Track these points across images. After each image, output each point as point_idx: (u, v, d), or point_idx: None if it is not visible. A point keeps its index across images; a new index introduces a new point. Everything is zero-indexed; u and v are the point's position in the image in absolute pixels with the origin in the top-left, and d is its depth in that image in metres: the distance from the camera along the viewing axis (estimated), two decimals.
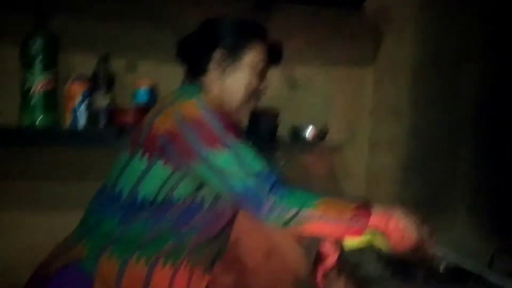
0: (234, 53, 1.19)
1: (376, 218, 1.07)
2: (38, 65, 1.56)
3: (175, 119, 1.04)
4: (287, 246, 1.91)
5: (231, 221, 1.23)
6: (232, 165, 1.01)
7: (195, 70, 1.22)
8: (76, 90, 1.61)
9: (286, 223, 1.03)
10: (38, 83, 1.56)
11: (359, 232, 1.08)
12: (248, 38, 1.20)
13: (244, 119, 1.29)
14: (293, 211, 1.02)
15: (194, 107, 1.05)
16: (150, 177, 1.08)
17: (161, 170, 1.07)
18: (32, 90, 1.56)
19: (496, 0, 1.70)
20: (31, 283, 1.14)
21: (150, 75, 1.76)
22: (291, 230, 1.14)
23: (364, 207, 1.07)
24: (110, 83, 1.64)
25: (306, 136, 1.81)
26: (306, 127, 1.82)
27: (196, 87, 1.18)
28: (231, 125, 1.06)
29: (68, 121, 1.62)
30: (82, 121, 1.61)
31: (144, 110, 1.61)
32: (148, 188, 1.08)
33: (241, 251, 1.91)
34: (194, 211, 1.10)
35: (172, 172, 1.07)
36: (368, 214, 1.06)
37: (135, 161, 1.10)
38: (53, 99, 1.60)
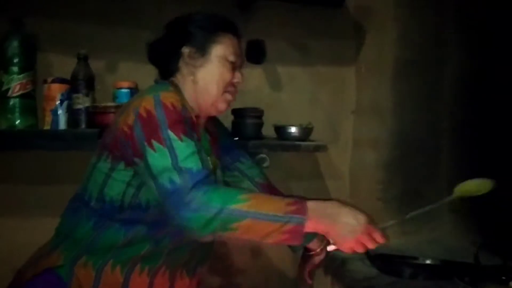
0: (201, 48, 1.18)
1: (314, 216, 0.99)
2: (15, 67, 1.52)
3: (133, 115, 1.03)
4: (273, 245, 1.90)
5: None
6: (164, 162, 0.97)
7: (166, 71, 1.22)
8: (55, 92, 1.57)
9: (209, 223, 0.94)
10: (16, 85, 1.52)
11: (295, 233, 0.98)
12: (215, 32, 1.20)
13: (222, 113, 1.26)
14: (215, 208, 0.94)
15: (149, 103, 1.03)
16: (114, 180, 1.06)
17: (122, 172, 1.06)
18: (9, 93, 1.52)
19: None
20: None
21: (130, 75, 1.74)
22: (217, 234, 0.97)
23: (298, 201, 1.00)
24: (90, 84, 1.61)
25: (291, 135, 1.80)
26: (290, 126, 1.82)
27: (164, 84, 1.17)
28: (180, 122, 1.03)
29: (47, 123, 1.58)
30: (62, 123, 1.57)
31: None
32: (113, 192, 1.06)
33: (228, 251, 1.90)
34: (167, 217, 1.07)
35: (133, 175, 1.05)
36: (304, 210, 0.98)
37: (100, 164, 1.08)
38: (31, 101, 1.57)
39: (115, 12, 1.76)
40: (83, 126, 1.59)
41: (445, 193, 1.85)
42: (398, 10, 1.86)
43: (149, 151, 0.98)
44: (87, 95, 1.60)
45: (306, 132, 1.83)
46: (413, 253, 1.55)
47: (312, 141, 1.85)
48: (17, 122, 1.53)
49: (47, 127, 1.58)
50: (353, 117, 2.06)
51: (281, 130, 1.82)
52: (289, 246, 1.40)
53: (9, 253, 1.64)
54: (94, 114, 1.58)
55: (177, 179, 0.96)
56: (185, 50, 1.18)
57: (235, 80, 1.22)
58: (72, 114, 1.59)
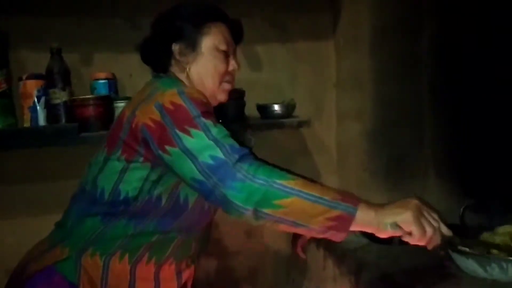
0: (191, 42, 1.16)
1: (369, 215, 0.92)
2: None
3: (156, 109, 1.01)
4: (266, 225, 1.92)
5: (213, 215, 1.22)
6: (202, 142, 0.96)
7: (159, 68, 1.20)
8: (32, 88, 1.55)
9: (252, 195, 0.91)
10: None
11: (343, 221, 0.91)
12: (201, 24, 1.17)
13: (223, 102, 1.25)
14: (261, 180, 0.91)
15: (174, 95, 1.02)
16: (130, 176, 1.05)
17: (139, 168, 1.04)
18: None
19: None
20: None
21: (106, 66, 1.72)
22: (262, 213, 0.92)
23: (351, 193, 0.95)
24: (66, 77, 1.59)
25: (274, 113, 1.80)
26: (273, 104, 1.81)
27: (173, 79, 1.16)
28: (210, 112, 1.03)
29: (26, 121, 1.57)
30: (41, 119, 1.56)
31: (103, 102, 1.58)
32: (129, 187, 1.05)
33: (222, 234, 1.91)
34: (178, 211, 1.08)
35: (150, 170, 1.04)
36: (356, 200, 0.93)
37: (113, 160, 1.07)
38: (8, 100, 1.55)
39: (84, 2, 1.73)
40: (63, 120, 1.58)
41: (430, 159, 1.90)
42: None
43: (184, 137, 0.97)
44: (63, 89, 1.58)
45: (289, 108, 1.83)
46: None
47: (296, 117, 1.85)
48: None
49: (26, 124, 1.56)
50: (335, 90, 2.06)
51: (264, 109, 1.82)
52: None
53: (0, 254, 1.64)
54: (73, 108, 1.57)
55: (220, 154, 0.94)
56: (175, 47, 1.16)
57: (231, 69, 1.20)
58: (50, 109, 1.57)
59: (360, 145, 1.92)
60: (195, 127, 0.98)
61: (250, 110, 1.83)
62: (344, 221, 0.91)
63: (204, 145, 0.96)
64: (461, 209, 1.14)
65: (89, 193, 1.09)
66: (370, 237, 1.45)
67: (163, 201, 1.06)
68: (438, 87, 1.84)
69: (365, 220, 0.93)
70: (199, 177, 0.95)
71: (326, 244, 1.55)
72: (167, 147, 0.98)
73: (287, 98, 1.88)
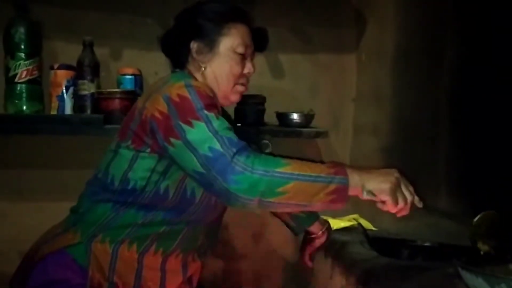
0: (209, 41, 1.18)
1: (354, 179, 1.00)
2: (21, 53, 1.55)
3: (163, 101, 1.04)
4: (274, 230, 1.94)
5: (223, 212, 1.24)
6: (203, 134, 0.99)
7: (177, 63, 1.23)
8: (61, 78, 1.60)
9: (255, 185, 0.94)
10: (23, 71, 1.55)
11: (340, 192, 0.99)
12: (222, 24, 1.18)
13: (235, 103, 1.28)
14: (260, 171, 0.95)
15: (181, 88, 1.05)
16: (138, 165, 1.08)
17: (147, 158, 1.07)
18: (16, 78, 1.55)
19: None
20: (20, 269, 1.14)
21: (133, 62, 1.77)
22: (267, 201, 0.96)
23: (336, 164, 1.02)
24: (95, 70, 1.64)
25: (292, 121, 1.83)
26: (292, 113, 1.84)
27: (185, 74, 1.19)
28: (214, 105, 1.06)
29: (53, 108, 1.61)
30: (67, 108, 1.60)
31: (129, 96, 1.62)
32: (137, 176, 1.08)
33: (229, 236, 1.94)
34: (186, 204, 1.10)
35: (158, 161, 1.07)
36: (343, 170, 1.00)
37: (123, 149, 1.10)
38: (38, 87, 1.60)
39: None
40: (89, 111, 1.62)
41: (443, 178, 1.91)
42: None
43: (187, 128, 1.00)
44: (92, 81, 1.63)
45: (307, 118, 1.86)
46: (412, 236, 1.58)
47: (313, 127, 1.88)
48: (24, 107, 1.56)
49: (53, 112, 1.61)
50: (353, 104, 2.09)
51: (283, 117, 1.85)
52: (291, 229, 1.43)
53: (16, 236, 1.68)
54: (99, 100, 1.61)
55: (218, 146, 0.97)
56: (194, 45, 1.18)
57: (246, 71, 1.21)
58: (77, 99, 1.62)
59: (374, 159, 1.94)
60: (198, 118, 1.00)
61: (270, 117, 1.87)
62: (341, 191, 0.99)
63: (205, 137, 0.98)
64: (476, 219, 1.15)
65: (101, 180, 1.12)
66: (379, 250, 1.47)
67: (170, 193, 1.08)
68: (456, 108, 1.86)
69: (353, 185, 1.00)
70: (200, 169, 0.98)
71: (334, 254, 1.57)
72: (172, 139, 1.01)
73: (306, 108, 1.91)
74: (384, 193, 1.01)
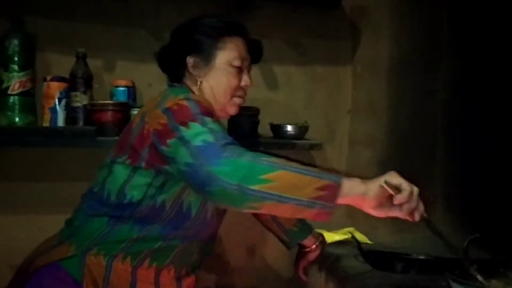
0: (205, 56, 1.18)
1: (352, 185, 0.94)
2: (15, 65, 1.55)
3: (163, 114, 1.04)
4: (269, 244, 1.92)
5: (218, 227, 1.23)
6: (197, 130, 0.98)
7: (174, 77, 1.24)
8: (54, 90, 1.59)
9: (240, 169, 0.90)
10: (16, 83, 1.54)
11: (332, 189, 0.92)
12: (218, 38, 1.19)
13: (233, 115, 1.27)
14: (247, 157, 0.92)
15: (181, 100, 1.05)
16: (135, 180, 1.07)
17: (144, 173, 1.07)
18: (9, 90, 1.54)
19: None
20: (13, 282, 1.14)
21: (127, 74, 1.77)
22: (248, 189, 0.90)
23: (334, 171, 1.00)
24: (88, 82, 1.64)
25: (286, 133, 1.82)
26: (286, 124, 1.84)
27: (183, 88, 1.20)
28: (212, 115, 1.05)
29: (46, 121, 1.60)
30: (60, 120, 1.60)
31: (122, 109, 1.62)
32: (134, 191, 1.07)
33: (224, 250, 1.92)
34: (182, 219, 1.10)
35: (154, 176, 1.07)
36: (340, 174, 0.95)
37: (120, 164, 1.09)
38: (31, 99, 1.59)
39: (113, 11, 1.78)
40: (81, 123, 1.61)
41: (439, 192, 1.89)
42: (393, 10, 1.88)
43: (183, 129, 0.99)
44: (85, 93, 1.62)
45: (302, 130, 1.85)
46: (407, 249, 1.57)
47: (308, 139, 1.87)
48: (17, 119, 1.55)
49: (45, 124, 1.60)
50: (349, 116, 2.08)
51: (277, 129, 1.84)
52: (284, 243, 1.41)
53: (7, 249, 1.67)
54: (92, 112, 1.61)
55: (210, 138, 0.96)
56: (190, 60, 1.19)
57: (243, 84, 1.22)
58: (70, 111, 1.61)
59: (370, 172, 1.92)
60: (194, 121, 1.00)
61: (264, 128, 1.86)
62: (332, 189, 0.91)
63: (199, 132, 0.98)
64: (465, 243, 1.14)
65: (97, 194, 1.12)
66: (373, 263, 1.45)
67: (167, 207, 1.07)
68: (452, 121, 1.86)
69: (353, 188, 0.93)
70: (189, 159, 0.95)
71: (328, 267, 1.55)
72: (167, 140, 1.00)
73: (301, 119, 1.90)
74: (397, 178, 0.95)
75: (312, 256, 1.41)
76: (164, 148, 1.01)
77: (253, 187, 0.90)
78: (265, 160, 0.93)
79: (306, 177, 0.92)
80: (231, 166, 0.91)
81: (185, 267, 1.17)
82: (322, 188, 0.91)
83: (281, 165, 0.92)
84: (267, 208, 0.94)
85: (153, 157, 1.05)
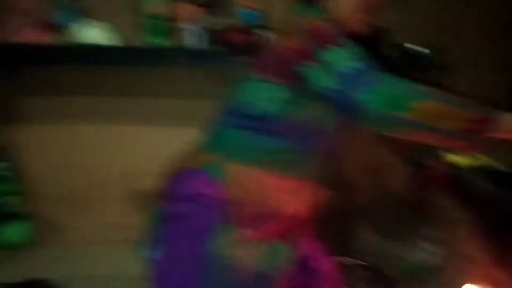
0: None
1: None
2: None
3: (300, 33, 1.08)
4: (391, 165, 1.89)
5: (346, 145, 1.26)
6: (339, 54, 1.00)
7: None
8: (189, 12, 1.69)
9: (387, 97, 0.93)
10: (155, 7, 1.66)
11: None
12: None
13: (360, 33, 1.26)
14: (396, 83, 0.94)
15: (317, 20, 1.08)
16: (271, 95, 1.13)
17: (281, 89, 1.12)
18: (149, 13, 1.67)
19: None
20: (165, 184, 1.25)
21: None
22: (395, 116, 0.93)
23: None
24: (218, 4, 1.70)
25: (421, 57, 1.72)
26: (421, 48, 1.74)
27: (317, 9, 1.19)
28: (349, 37, 1.06)
29: (179, 41, 1.71)
30: (194, 41, 1.69)
31: (250, 30, 1.66)
32: (269, 105, 1.13)
33: (345, 170, 1.93)
34: (314, 134, 1.14)
35: (288, 91, 1.11)
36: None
37: (258, 81, 1.15)
38: (165, 21, 1.70)
39: None
40: (213, 44, 1.70)
41: None
42: None
43: (322, 51, 1.02)
44: (217, 15, 1.69)
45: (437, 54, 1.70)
46: None
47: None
48: (154, 40, 1.68)
49: (179, 45, 1.71)
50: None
51: (410, 51, 1.74)
52: (406, 161, 1.39)
53: (145, 158, 1.86)
54: (223, 33, 1.68)
55: (354, 64, 0.98)
56: None
57: (376, 2, 1.19)
58: (203, 33, 1.70)
59: None
60: (335, 44, 1.01)
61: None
62: (485, 123, 0.92)
63: (341, 56, 0.99)
64: None
65: (234, 107, 1.20)
66: (506, 185, 1.36)
67: (297, 122, 1.12)
68: None
69: (507, 122, 0.93)
70: (333, 85, 0.99)
71: (454, 188, 1.50)
72: (307, 62, 1.04)
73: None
74: None
75: (438, 178, 1.38)
76: (302, 69, 1.05)
77: (401, 114, 0.93)
78: (416, 88, 0.93)
79: (457, 108, 0.92)
80: (378, 94, 0.94)
81: (316, 180, 1.21)
82: (474, 121, 0.92)
83: (434, 95, 0.93)
84: (415, 136, 0.96)
85: (290, 75, 1.09)
